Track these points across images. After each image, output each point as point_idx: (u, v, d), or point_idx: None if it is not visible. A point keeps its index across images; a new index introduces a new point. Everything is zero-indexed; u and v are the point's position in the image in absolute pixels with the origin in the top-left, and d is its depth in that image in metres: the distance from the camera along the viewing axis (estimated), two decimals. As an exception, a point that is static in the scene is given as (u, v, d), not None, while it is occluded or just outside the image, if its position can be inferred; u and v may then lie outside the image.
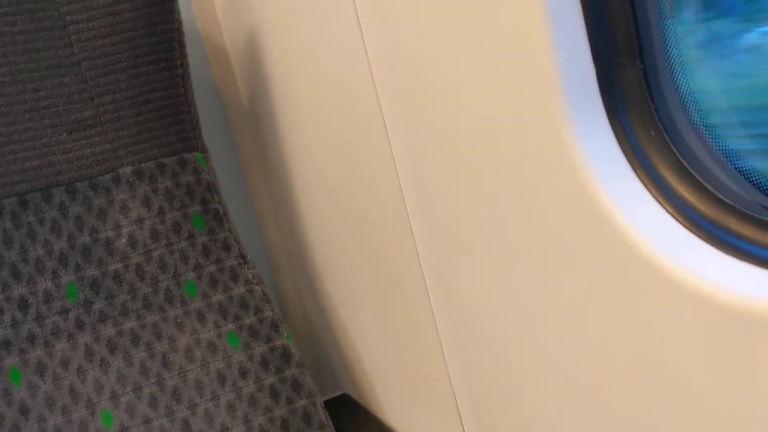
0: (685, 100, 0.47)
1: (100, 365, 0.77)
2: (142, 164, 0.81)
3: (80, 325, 0.77)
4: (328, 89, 0.77)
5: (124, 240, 0.80)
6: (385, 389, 0.88)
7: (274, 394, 0.79)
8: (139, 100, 0.82)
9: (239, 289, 0.82)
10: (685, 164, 0.47)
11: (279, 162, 0.95)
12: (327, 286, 0.94)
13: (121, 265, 0.79)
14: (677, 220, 0.46)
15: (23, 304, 0.76)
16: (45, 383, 0.75)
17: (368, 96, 0.68)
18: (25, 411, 0.74)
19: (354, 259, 0.85)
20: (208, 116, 1.01)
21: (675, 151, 0.47)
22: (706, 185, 0.46)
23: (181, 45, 0.85)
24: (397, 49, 0.61)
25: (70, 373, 0.76)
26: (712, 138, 0.47)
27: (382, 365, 0.87)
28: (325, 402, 0.83)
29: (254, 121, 0.99)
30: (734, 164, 0.46)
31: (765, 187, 0.45)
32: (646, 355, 0.48)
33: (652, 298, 0.46)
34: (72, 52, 0.80)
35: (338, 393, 0.98)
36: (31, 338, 0.76)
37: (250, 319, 0.81)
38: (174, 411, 0.77)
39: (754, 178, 0.45)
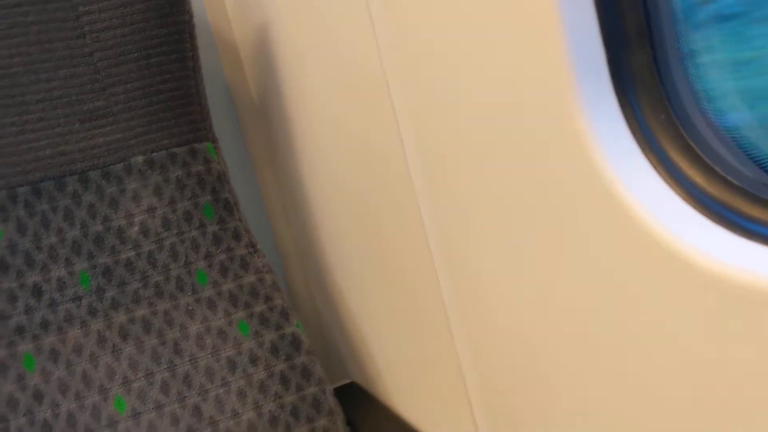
0: (694, 84, 0.48)
1: (113, 352, 0.78)
2: (154, 154, 0.82)
3: (93, 312, 0.78)
4: (338, 81, 0.78)
5: (136, 228, 0.81)
6: (393, 377, 0.89)
7: (284, 380, 0.80)
8: (151, 91, 0.83)
9: (249, 278, 0.83)
10: (694, 147, 0.47)
11: (288, 153, 0.96)
12: (335, 275, 0.95)
13: (133, 253, 0.80)
14: (686, 201, 0.47)
15: (37, 291, 0.77)
16: (58, 369, 0.76)
17: (377, 82, 0.68)
18: (38, 396, 0.75)
19: (363, 249, 0.85)
20: (218, 109, 1.01)
21: (684, 134, 0.48)
22: (715, 167, 0.47)
23: (192, 37, 0.85)
24: (408, 36, 0.62)
25: (83, 360, 0.77)
26: (720, 121, 0.48)
27: (391, 353, 0.88)
28: (334, 390, 0.84)
29: (263, 113, 1.00)
30: (742, 147, 0.47)
31: (773, 169, 0.46)
32: (657, 335, 0.48)
33: (662, 278, 0.46)
34: (84, 43, 0.80)
35: (347, 381, 0.99)
36: (45, 325, 0.77)
37: (260, 307, 0.82)
38: (185, 397, 0.78)
39: (761, 160, 0.46)
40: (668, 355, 0.48)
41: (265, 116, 1.00)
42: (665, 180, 0.48)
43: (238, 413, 0.78)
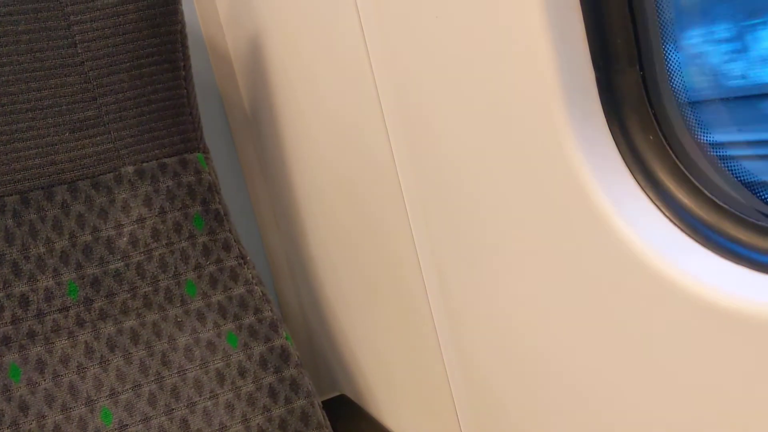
0: (683, 105, 0.48)
1: (100, 363, 0.77)
2: (144, 164, 0.82)
3: (80, 323, 0.78)
4: (329, 93, 0.78)
5: (125, 239, 0.80)
6: (382, 390, 0.89)
7: (272, 393, 0.80)
8: (142, 101, 0.82)
9: (239, 289, 0.83)
10: (683, 169, 0.47)
11: (279, 164, 0.96)
12: (325, 287, 0.95)
13: (122, 263, 0.80)
14: (675, 224, 0.47)
15: (24, 301, 0.76)
16: (45, 380, 0.75)
17: (369, 99, 0.69)
18: (24, 408, 0.74)
19: (353, 261, 0.85)
20: (210, 119, 1.01)
21: (673, 155, 0.48)
22: (703, 190, 0.47)
23: (184, 47, 0.85)
24: (399, 53, 0.62)
25: (70, 371, 0.76)
26: (709, 143, 0.48)
27: (380, 366, 0.87)
28: (323, 402, 0.83)
29: (255, 124, 1.00)
30: (731, 169, 0.47)
31: (761, 192, 0.46)
32: (644, 358, 0.48)
33: (650, 301, 0.46)
34: (76, 52, 0.80)
35: (336, 394, 0.98)
36: (32, 335, 0.76)
37: (249, 319, 0.82)
38: (173, 409, 0.77)
39: (750, 184, 0.46)
40: (653, 376, 0.48)
41: (257, 127, 1.00)
42: (653, 201, 0.48)
43: (225, 426, 0.78)
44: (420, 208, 0.67)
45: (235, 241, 0.84)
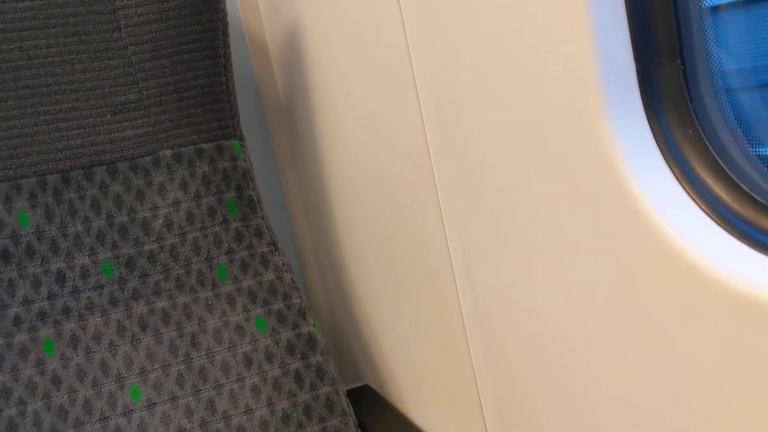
0: (722, 100, 0.48)
1: (131, 341, 0.79)
2: (182, 148, 0.83)
3: (114, 302, 0.79)
4: (367, 84, 0.78)
5: (160, 221, 0.82)
6: (406, 382, 0.89)
7: (298, 379, 0.81)
8: (182, 86, 0.84)
9: (269, 276, 0.84)
10: (721, 163, 0.47)
11: (311, 155, 0.97)
12: (353, 278, 0.95)
13: (156, 245, 0.81)
14: (711, 218, 0.47)
15: (60, 278, 0.78)
16: (77, 355, 0.77)
17: (406, 90, 0.69)
18: (56, 381, 0.76)
19: (382, 252, 0.86)
20: (247, 108, 1.03)
21: (711, 150, 0.48)
22: (741, 185, 0.47)
23: (225, 35, 0.87)
24: (438, 40, 0.63)
25: (102, 348, 0.78)
26: (747, 138, 0.48)
27: (405, 358, 0.88)
28: (347, 392, 0.84)
29: (290, 113, 1.01)
30: (769, 165, 0.47)
31: (800, 188, 0.45)
32: (681, 352, 0.48)
33: (686, 295, 0.46)
34: (120, 36, 0.82)
35: (359, 384, 0.99)
36: (66, 311, 0.78)
37: (278, 305, 0.83)
38: (200, 390, 0.78)
39: (788, 179, 0.46)
40: (693, 371, 0.48)
41: (291, 117, 1.01)
42: (690, 195, 0.48)
43: (251, 409, 0.79)
44: (452, 200, 0.68)
45: (267, 228, 0.85)
